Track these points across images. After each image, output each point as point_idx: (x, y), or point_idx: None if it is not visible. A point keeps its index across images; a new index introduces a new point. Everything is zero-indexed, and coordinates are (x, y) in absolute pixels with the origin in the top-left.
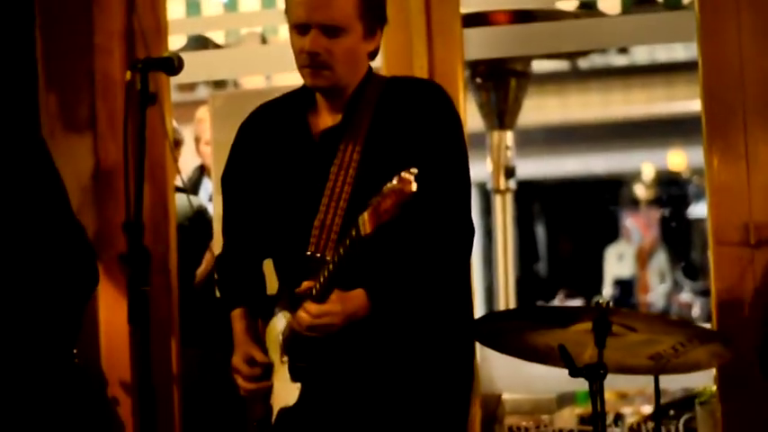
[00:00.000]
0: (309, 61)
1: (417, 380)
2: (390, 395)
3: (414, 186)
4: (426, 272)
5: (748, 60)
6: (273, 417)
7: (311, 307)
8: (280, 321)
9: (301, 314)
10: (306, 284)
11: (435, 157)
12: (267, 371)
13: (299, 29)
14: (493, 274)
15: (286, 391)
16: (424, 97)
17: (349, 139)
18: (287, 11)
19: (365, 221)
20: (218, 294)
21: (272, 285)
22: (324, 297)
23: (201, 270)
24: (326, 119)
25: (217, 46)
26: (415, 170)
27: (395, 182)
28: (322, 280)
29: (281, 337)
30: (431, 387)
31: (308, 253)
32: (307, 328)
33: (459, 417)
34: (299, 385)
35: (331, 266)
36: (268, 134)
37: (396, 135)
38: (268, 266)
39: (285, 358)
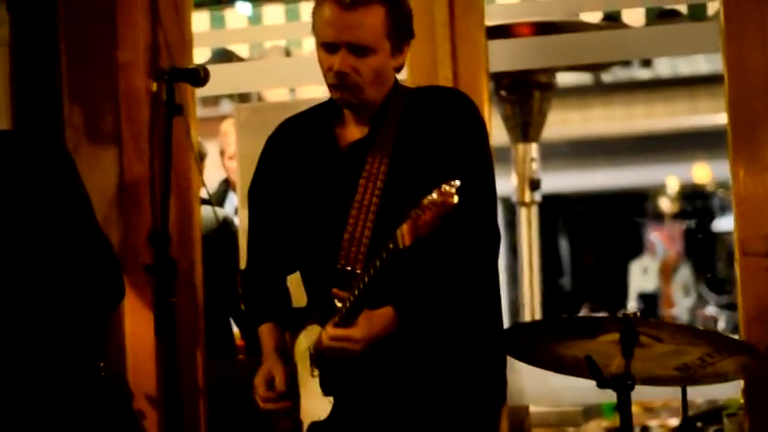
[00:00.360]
0: (338, 80)
1: (448, 391)
2: (422, 408)
3: (455, 199)
4: (455, 283)
5: None
6: (303, 431)
7: (331, 330)
8: (309, 335)
9: (322, 335)
10: (341, 293)
11: (462, 166)
12: (284, 395)
13: (327, 47)
14: (518, 289)
15: (317, 405)
16: (448, 106)
17: (376, 150)
18: (314, 28)
19: (404, 234)
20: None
21: (298, 299)
22: (352, 315)
23: None
24: (354, 131)
25: (241, 60)
26: (457, 182)
27: (434, 195)
28: (356, 293)
29: (310, 351)
30: (462, 398)
31: (338, 266)
32: (326, 351)
33: (490, 428)
34: (330, 399)
35: (366, 278)
36: (295, 147)
37: (422, 145)
38: (294, 280)
39: (315, 372)
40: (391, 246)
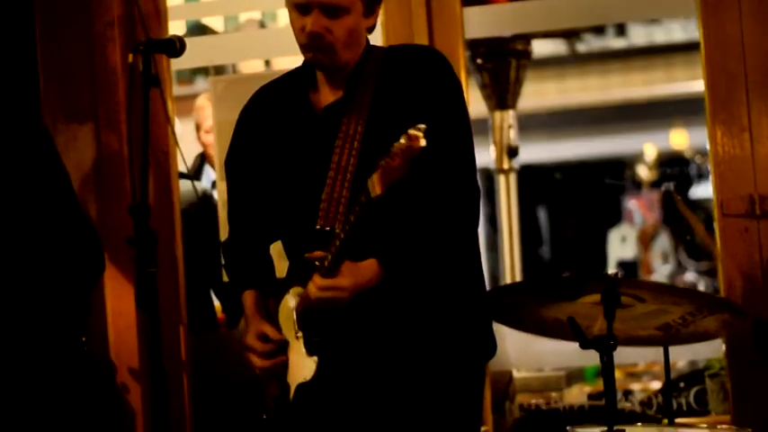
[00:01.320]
0: (311, 41)
1: (434, 346)
2: (406, 364)
3: (423, 142)
4: (437, 236)
5: (749, 33)
6: (291, 393)
7: (318, 280)
8: (292, 297)
9: (309, 287)
10: (318, 253)
11: (438, 122)
12: (281, 347)
13: (299, 8)
14: (498, 259)
15: (302, 366)
16: (422, 64)
17: (352, 112)
18: None
19: (374, 183)
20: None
21: (280, 271)
22: (334, 268)
23: None
24: (328, 95)
25: (215, 33)
26: (423, 126)
27: (402, 140)
28: (333, 250)
29: (294, 313)
30: (448, 352)
31: (318, 227)
32: (315, 302)
33: (476, 385)
34: (315, 359)
35: (342, 235)
36: (270, 114)
37: (398, 104)
38: (276, 251)
39: (300, 333)
40: (363, 197)
